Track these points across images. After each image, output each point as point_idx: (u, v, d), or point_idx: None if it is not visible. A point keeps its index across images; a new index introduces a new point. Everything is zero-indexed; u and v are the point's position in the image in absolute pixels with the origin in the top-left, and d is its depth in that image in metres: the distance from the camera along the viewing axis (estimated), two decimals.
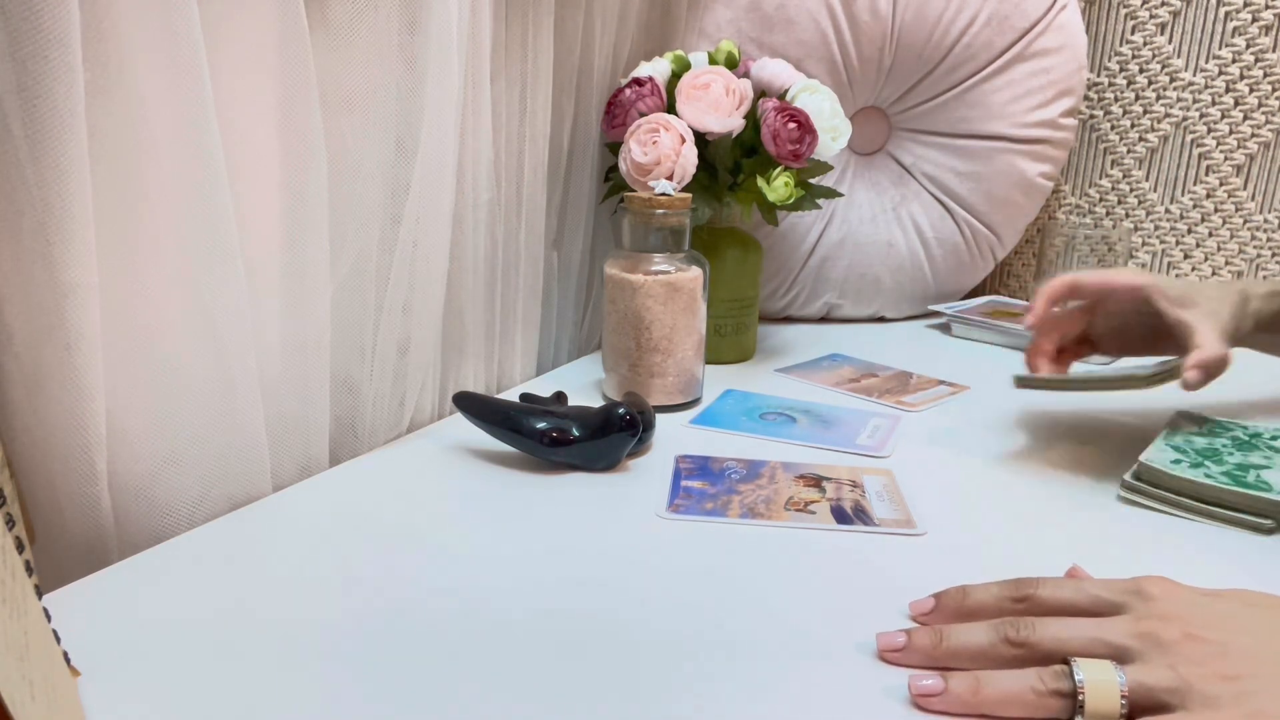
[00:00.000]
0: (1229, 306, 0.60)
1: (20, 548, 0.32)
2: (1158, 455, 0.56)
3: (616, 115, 0.80)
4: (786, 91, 0.81)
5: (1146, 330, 0.64)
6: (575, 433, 0.58)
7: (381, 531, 0.50)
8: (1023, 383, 0.64)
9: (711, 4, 0.94)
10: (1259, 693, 0.32)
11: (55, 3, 0.37)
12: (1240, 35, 1.01)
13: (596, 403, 0.65)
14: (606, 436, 0.58)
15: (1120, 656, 0.34)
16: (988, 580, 0.42)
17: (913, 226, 1.06)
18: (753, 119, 0.79)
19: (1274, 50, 1.00)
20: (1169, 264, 1.11)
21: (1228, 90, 1.03)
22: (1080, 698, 0.33)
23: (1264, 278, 0.85)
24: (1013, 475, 0.60)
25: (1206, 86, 1.04)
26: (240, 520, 0.51)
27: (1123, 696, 0.33)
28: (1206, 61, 1.03)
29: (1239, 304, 0.61)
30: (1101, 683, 0.33)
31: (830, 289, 1.06)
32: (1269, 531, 0.51)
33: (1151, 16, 1.05)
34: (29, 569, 0.33)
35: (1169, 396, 0.73)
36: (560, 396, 0.65)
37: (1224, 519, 0.52)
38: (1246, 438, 0.60)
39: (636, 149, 0.75)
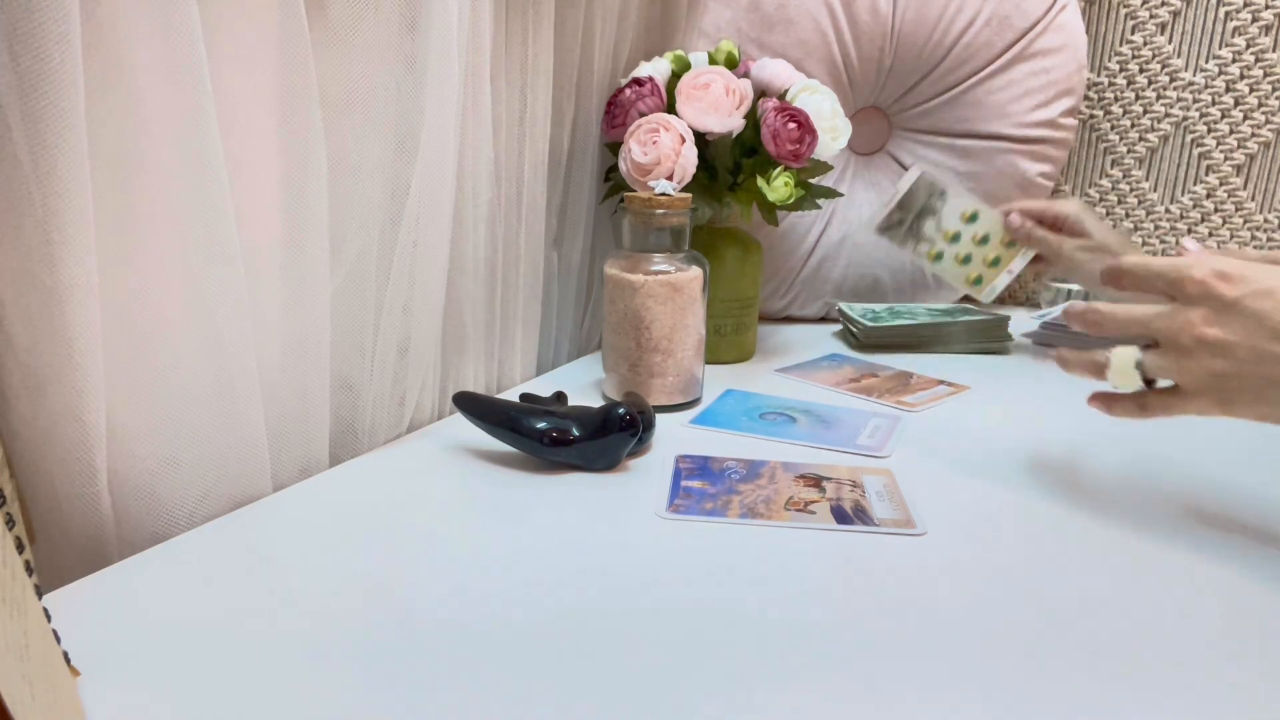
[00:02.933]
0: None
1: (20, 548, 0.32)
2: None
3: (616, 115, 0.80)
4: (786, 91, 0.81)
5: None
6: (575, 433, 0.58)
7: (381, 531, 0.50)
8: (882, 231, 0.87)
9: (711, 4, 0.94)
10: (1235, 386, 0.45)
11: (55, 3, 0.37)
12: (1240, 35, 1.01)
13: (596, 403, 0.65)
14: (606, 436, 0.58)
15: (1152, 341, 0.49)
16: (987, 582, 0.42)
17: None
18: (753, 119, 0.79)
19: (1274, 50, 1.00)
20: None
21: (1228, 90, 1.03)
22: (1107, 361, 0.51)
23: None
24: (1012, 475, 0.60)
25: (1206, 86, 1.04)
26: (240, 520, 0.51)
27: (1138, 365, 0.49)
28: (1206, 61, 1.03)
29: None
30: (1123, 357, 0.50)
31: (830, 289, 1.06)
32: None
33: (1151, 16, 1.05)
34: (29, 569, 0.33)
35: None
36: (560, 396, 0.65)
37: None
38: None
39: (636, 149, 0.75)
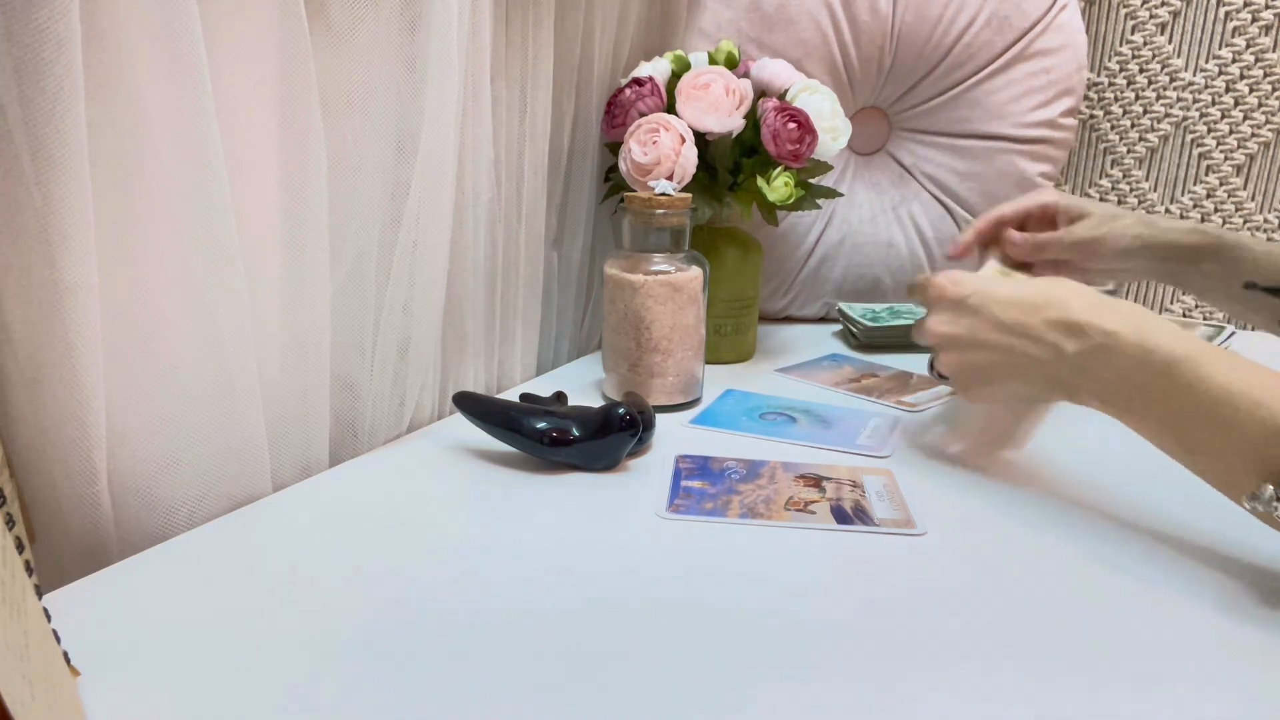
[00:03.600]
0: (1117, 219, 0.71)
1: (20, 548, 0.32)
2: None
3: (616, 115, 0.80)
4: (786, 91, 0.81)
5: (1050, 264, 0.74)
6: (575, 433, 0.58)
7: (381, 531, 0.50)
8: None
9: (711, 4, 0.94)
10: (978, 373, 0.54)
11: (55, 3, 0.37)
12: (1240, 35, 1.01)
13: (596, 403, 0.65)
14: (606, 436, 0.58)
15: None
16: (987, 582, 0.43)
17: (913, 226, 1.06)
18: (753, 119, 0.79)
19: (1274, 50, 1.00)
20: None
21: (1228, 90, 1.03)
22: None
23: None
24: (1013, 474, 0.60)
25: (1206, 86, 1.04)
26: (240, 520, 0.51)
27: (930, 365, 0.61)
28: (1206, 61, 1.03)
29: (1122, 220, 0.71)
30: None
31: (830, 289, 1.06)
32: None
33: (1151, 16, 1.05)
34: (29, 569, 0.33)
35: None
36: (560, 396, 0.65)
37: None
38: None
39: (636, 149, 0.75)
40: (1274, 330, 0.69)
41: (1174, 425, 0.46)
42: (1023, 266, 0.73)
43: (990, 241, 0.74)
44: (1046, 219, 0.72)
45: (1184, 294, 1.11)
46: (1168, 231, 0.68)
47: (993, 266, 0.70)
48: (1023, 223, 0.73)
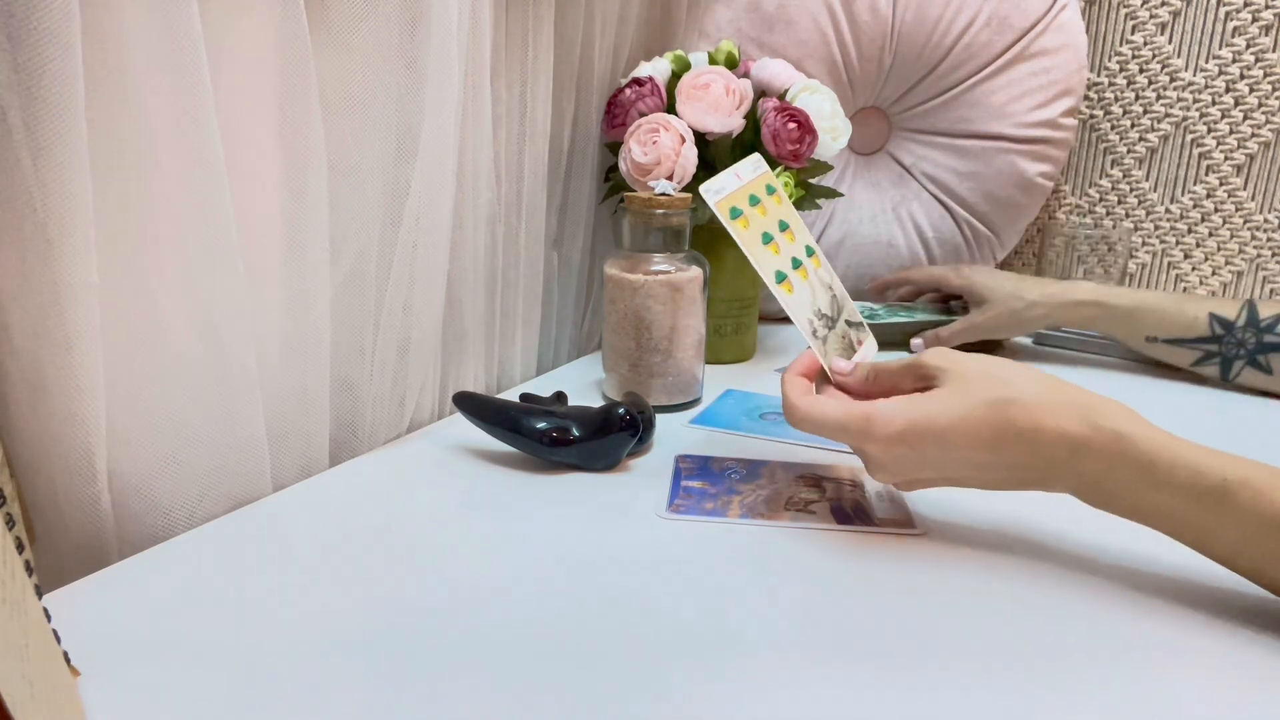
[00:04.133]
0: (1010, 309, 0.86)
1: (20, 548, 0.32)
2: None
3: (616, 115, 0.80)
4: (786, 91, 0.81)
5: None
6: (575, 433, 0.58)
7: (381, 531, 0.50)
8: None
9: (711, 4, 0.94)
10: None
11: (55, 3, 0.37)
12: (1240, 35, 1.01)
13: (596, 403, 0.65)
14: (606, 436, 0.58)
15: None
16: (987, 582, 0.43)
17: (913, 226, 1.06)
18: (753, 119, 0.79)
19: (1274, 50, 1.00)
20: (1169, 264, 1.11)
21: (1228, 90, 1.03)
22: None
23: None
24: None
25: (1206, 86, 1.04)
26: (240, 520, 0.51)
27: None
28: (1206, 61, 1.03)
29: (1019, 312, 0.85)
30: None
31: None
32: None
33: (1151, 16, 1.05)
34: (29, 569, 0.33)
35: (1167, 398, 0.72)
36: (560, 396, 0.65)
37: None
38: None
39: (636, 149, 0.75)
40: (1199, 373, 0.80)
41: (1229, 546, 0.42)
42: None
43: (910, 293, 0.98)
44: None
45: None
46: (1062, 308, 0.83)
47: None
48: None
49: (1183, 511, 0.41)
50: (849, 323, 0.60)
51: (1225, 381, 0.79)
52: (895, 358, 0.52)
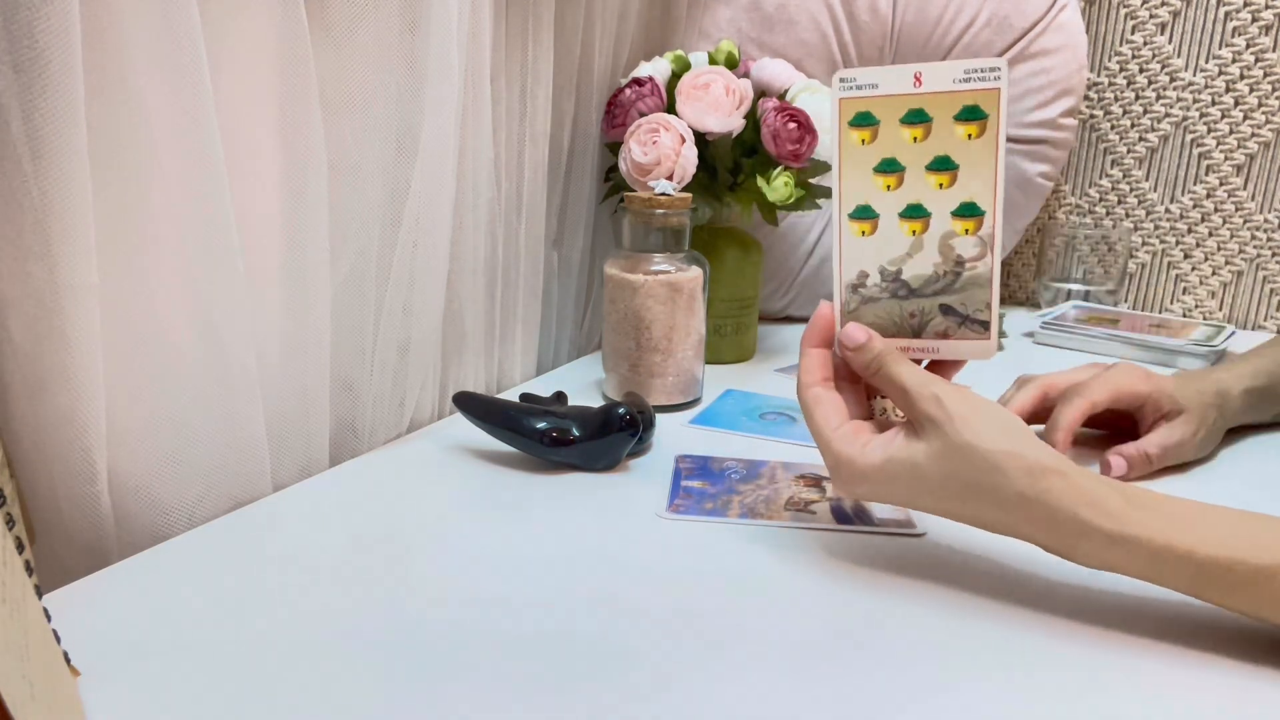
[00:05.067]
0: (1211, 414, 0.62)
1: (20, 548, 0.32)
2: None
3: (616, 115, 0.80)
4: (786, 91, 0.81)
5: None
6: (575, 433, 0.58)
7: (381, 531, 0.50)
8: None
9: (711, 4, 0.94)
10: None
11: (55, 3, 0.37)
12: (1240, 35, 1.01)
13: (596, 403, 0.65)
14: (606, 436, 0.58)
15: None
16: (987, 582, 0.43)
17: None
18: (753, 119, 0.79)
19: (1274, 50, 1.00)
20: (1169, 264, 1.11)
21: (1228, 90, 1.03)
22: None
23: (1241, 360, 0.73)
24: None
25: (1206, 86, 1.04)
26: (240, 520, 0.51)
27: None
28: (1206, 61, 1.03)
29: (1219, 408, 0.63)
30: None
31: (830, 289, 1.06)
32: None
33: (1151, 16, 1.05)
34: (29, 569, 0.33)
35: None
36: (560, 396, 0.65)
37: None
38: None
39: (636, 149, 0.75)
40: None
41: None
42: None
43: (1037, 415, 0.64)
44: (1133, 405, 0.62)
45: (1187, 297, 1.11)
46: (1234, 393, 0.64)
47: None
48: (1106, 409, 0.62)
49: (1194, 591, 0.40)
50: (947, 308, 0.47)
51: None
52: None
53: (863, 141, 0.45)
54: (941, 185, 0.45)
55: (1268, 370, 0.67)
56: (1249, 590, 0.38)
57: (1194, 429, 0.60)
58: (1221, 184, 1.06)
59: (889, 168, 0.45)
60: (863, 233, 0.46)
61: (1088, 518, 0.39)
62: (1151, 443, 0.59)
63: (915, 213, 0.45)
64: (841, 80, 0.44)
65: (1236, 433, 0.66)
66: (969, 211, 0.45)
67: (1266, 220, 1.05)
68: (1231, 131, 1.04)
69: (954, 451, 0.41)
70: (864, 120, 0.45)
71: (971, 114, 0.44)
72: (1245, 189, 1.05)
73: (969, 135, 0.45)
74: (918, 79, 0.44)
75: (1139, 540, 0.39)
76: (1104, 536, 0.39)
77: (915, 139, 0.45)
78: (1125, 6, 1.06)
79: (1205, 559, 0.38)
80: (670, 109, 0.79)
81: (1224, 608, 0.39)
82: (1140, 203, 1.11)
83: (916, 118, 0.44)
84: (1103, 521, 0.39)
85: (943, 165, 0.45)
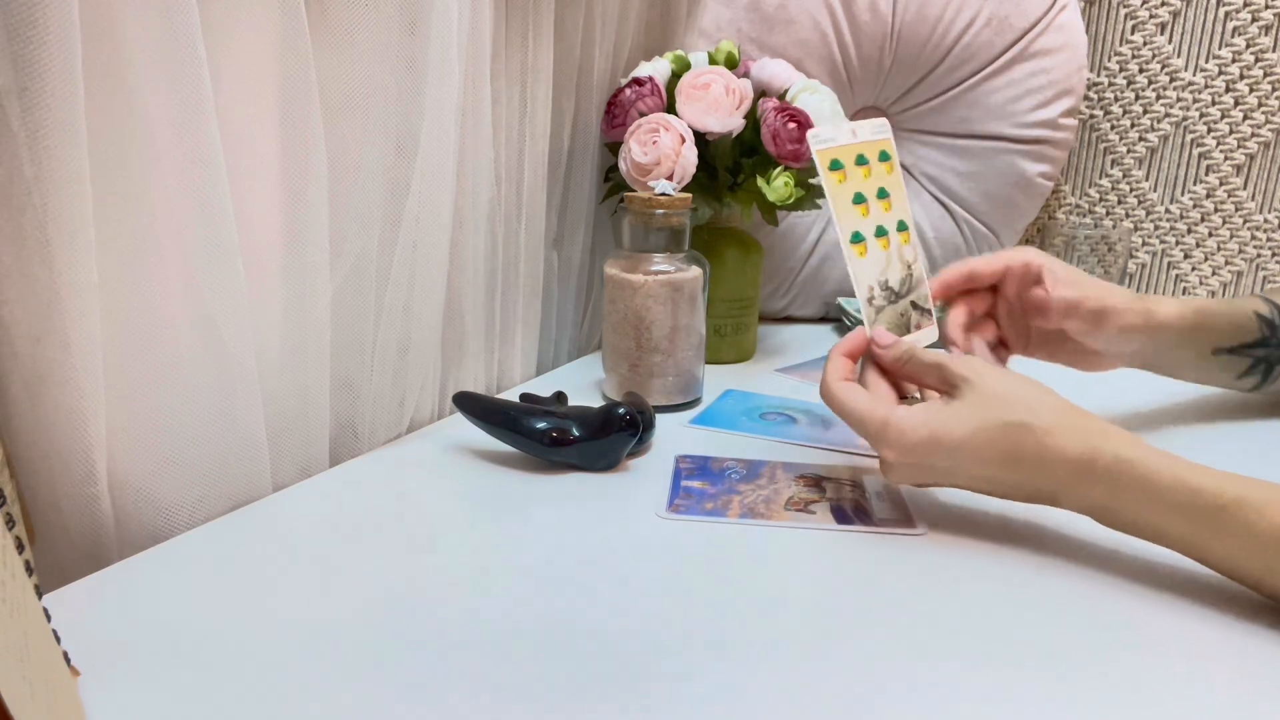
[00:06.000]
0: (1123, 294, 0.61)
1: (20, 548, 0.32)
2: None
3: (616, 115, 0.80)
4: (786, 91, 0.81)
5: (1038, 332, 0.64)
6: (575, 433, 0.58)
7: (381, 531, 0.50)
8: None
9: (711, 4, 0.94)
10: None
11: (55, 3, 0.37)
12: (1240, 35, 1.01)
13: (596, 403, 0.65)
14: (606, 436, 0.58)
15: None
16: (987, 582, 0.43)
17: (913, 226, 1.06)
18: (753, 119, 0.79)
19: (1274, 50, 1.00)
20: (1169, 264, 1.11)
21: (1228, 90, 1.03)
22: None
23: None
24: None
25: (1206, 86, 1.04)
26: (240, 520, 0.51)
27: None
28: (1206, 61, 1.03)
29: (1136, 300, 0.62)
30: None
31: (830, 289, 1.06)
32: None
33: (1151, 16, 1.05)
34: (29, 569, 0.33)
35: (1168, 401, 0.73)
36: (560, 396, 0.65)
37: None
38: None
39: (636, 149, 0.75)
40: (1233, 387, 0.68)
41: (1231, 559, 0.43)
42: (999, 344, 0.64)
43: (957, 295, 0.63)
44: (1028, 280, 0.61)
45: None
46: (1164, 313, 0.62)
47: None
48: (999, 282, 0.62)
49: (1182, 529, 0.43)
50: (916, 305, 0.60)
51: (1257, 390, 0.69)
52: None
53: (839, 181, 0.58)
54: (886, 209, 0.60)
55: (1199, 305, 0.64)
56: (1213, 522, 0.42)
57: (1099, 295, 0.60)
58: (1221, 184, 1.06)
59: (859, 199, 0.59)
60: (860, 254, 0.58)
61: (1098, 444, 0.45)
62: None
63: (880, 232, 0.59)
64: (814, 137, 0.57)
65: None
66: (902, 226, 0.61)
67: (1266, 220, 1.05)
68: (1231, 131, 1.04)
69: (990, 398, 0.48)
70: (836, 165, 0.58)
71: (884, 156, 0.60)
72: (1245, 189, 1.05)
73: (889, 170, 0.60)
74: (854, 133, 0.59)
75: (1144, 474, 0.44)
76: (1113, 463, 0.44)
77: (865, 175, 0.59)
78: (1125, 6, 1.06)
79: (1197, 486, 0.42)
80: (670, 109, 0.79)
81: (1190, 550, 0.44)
82: (1140, 203, 1.11)
83: (861, 160, 0.59)
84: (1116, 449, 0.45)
85: (882, 194, 0.60)
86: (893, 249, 0.59)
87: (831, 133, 0.58)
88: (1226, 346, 0.65)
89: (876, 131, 0.60)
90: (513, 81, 0.70)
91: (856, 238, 0.58)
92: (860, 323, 0.57)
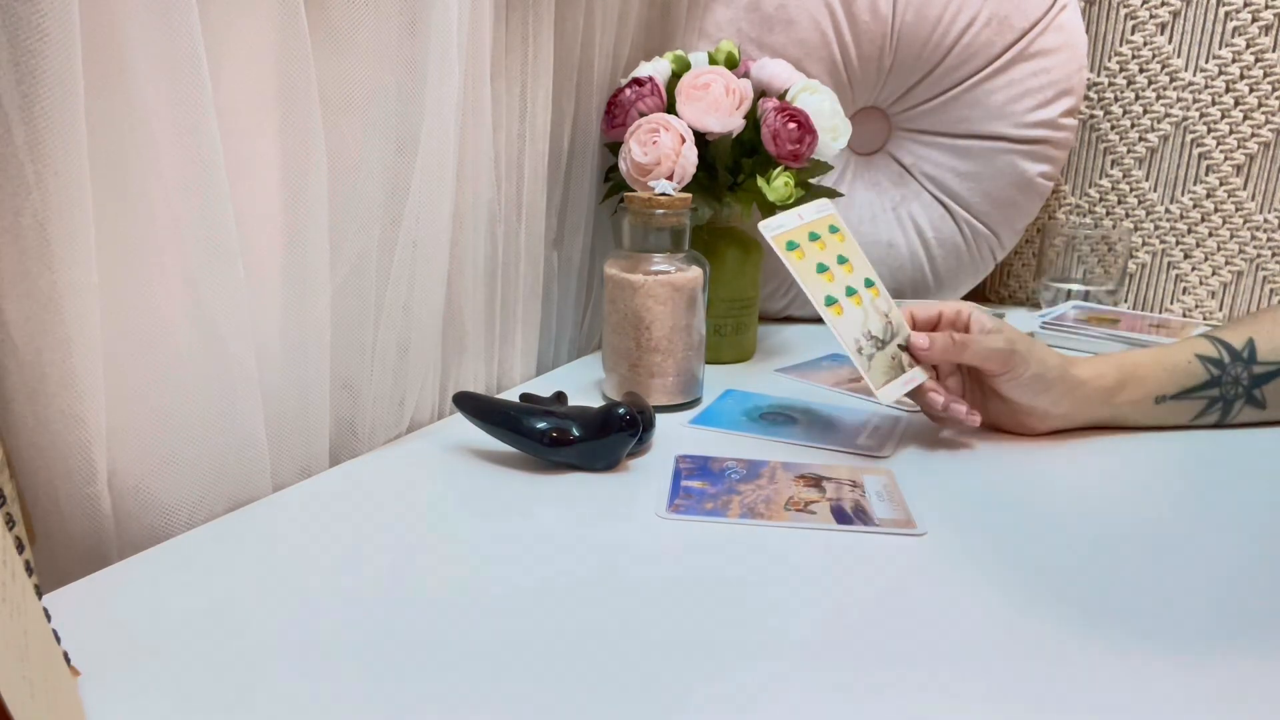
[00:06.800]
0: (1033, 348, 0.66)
1: (20, 548, 0.32)
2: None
3: (616, 115, 0.80)
4: (786, 91, 0.81)
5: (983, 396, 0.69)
6: (575, 433, 0.58)
7: (381, 532, 0.50)
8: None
9: (711, 4, 0.94)
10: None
11: (55, 3, 0.37)
12: (1240, 35, 1.01)
13: (596, 403, 0.65)
14: (606, 436, 0.58)
15: None
16: (987, 582, 0.43)
17: (913, 226, 1.06)
18: (753, 119, 0.79)
19: (1274, 50, 1.00)
20: (1169, 264, 1.11)
21: (1228, 90, 1.03)
22: None
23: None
24: (1013, 474, 0.60)
25: (1206, 86, 1.04)
26: (240, 520, 0.51)
27: None
28: (1206, 61, 1.03)
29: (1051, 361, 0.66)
30: None
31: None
32: None
33: (1151, 16, 1.05)
34: (29, 569, 0.33)
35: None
36: (560, 396, 0.65)
37: None
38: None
39: (636, 149, 0.75)
40: (1195, 424, 0.69)
41: None
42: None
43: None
44: (959, 326, 0.66)
45: (1187, 297, 1.11)
46: (1079, 372, 0.65)
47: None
48: (934, 325, 0.68)
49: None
50: (901, 346, 0.66)
51: (1221, 426, 0.69)
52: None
53: (799, 257, 0.64)
54: (849, 271, 0.66)
55: (1124, 360, 0.68)
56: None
57: (1014, 341, 0.64)
58: (1221, 184, 1.06)
59: (821, 269, 0.65)
60: (838, 313, 0.63)
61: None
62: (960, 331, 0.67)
63: (850, 291, 0.65)
64: (765, 226, 0.64)
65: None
66: (869, 283, 0.67)
67: (1266, 220, 1.05)
68: (1231, 131, 1.04)
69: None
70: (791, 245, 0.64)
71: (833, 229, 0.67)
72: (1245, 189, 1.05)
73: (840, 239, 0.67)
74: (800, 215, 0.66)
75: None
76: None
77: (821, 248, 0.66)
78: (1125, 6, 1.06)
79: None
80: (670, 109, 0.79)
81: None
82: (1140, 203, 1.11)
83: (814, 236, 0.66)
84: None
85: (842, 260, 0.66)
86: (866, 303, 0.65)
87: (780, 220, 0.65)
88: (1170, 394, 0.67)
89: (820, 210, 0.67)
90: (513, 81, 0.70)
91: (830, 300, 0.63)
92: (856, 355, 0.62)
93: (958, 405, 0.64)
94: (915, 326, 0.68)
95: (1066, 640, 0.40)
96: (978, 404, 0.67)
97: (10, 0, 0.37)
